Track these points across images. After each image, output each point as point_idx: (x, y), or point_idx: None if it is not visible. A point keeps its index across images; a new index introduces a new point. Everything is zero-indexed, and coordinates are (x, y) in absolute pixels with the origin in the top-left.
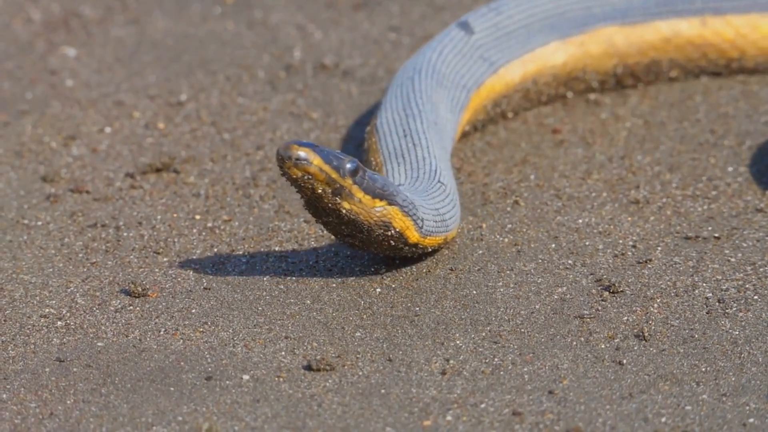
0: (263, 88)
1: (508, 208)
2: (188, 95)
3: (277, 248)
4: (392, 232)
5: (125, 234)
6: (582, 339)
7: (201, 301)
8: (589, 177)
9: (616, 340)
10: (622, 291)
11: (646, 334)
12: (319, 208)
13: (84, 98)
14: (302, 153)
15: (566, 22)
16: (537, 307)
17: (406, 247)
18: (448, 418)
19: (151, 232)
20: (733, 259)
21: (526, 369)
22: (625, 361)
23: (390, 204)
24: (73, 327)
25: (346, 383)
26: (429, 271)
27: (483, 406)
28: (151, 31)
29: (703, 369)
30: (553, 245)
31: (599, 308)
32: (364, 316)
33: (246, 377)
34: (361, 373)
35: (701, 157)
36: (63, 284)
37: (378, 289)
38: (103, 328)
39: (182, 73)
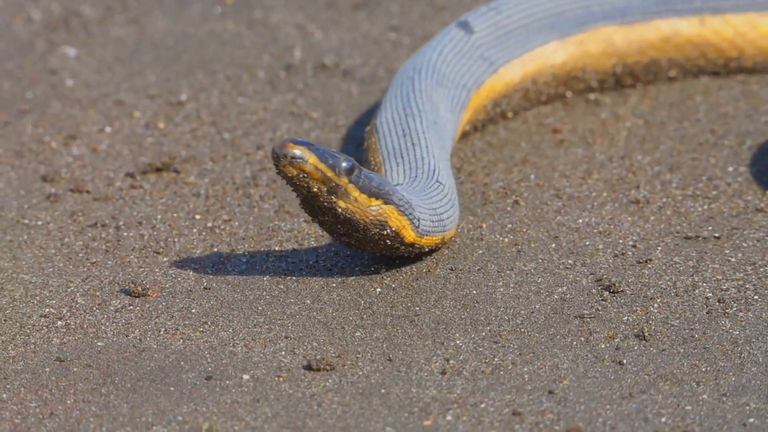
0: (263, 87)
1: (508, 208)
2: (188, 95)
3: (277, 248)
4: (388, 231)
5: (125, 234)
6: (582, 339)
7: (201, 301)
8: (590, 177)
9: (616, 340)
10: (622, 291)
11: (646, 334)
12: (315, 206)
13: (84, 98)
14: (297, 151)
15: (565, 21)
16: (537, 306)
17: (403, 247)
18: (448, 418)
19: (151, 232)
20: (733, 259)
21: (526, 369)
22: (625, 361)
23: (386, 203)
24: (73, 327)
25: (346, 383)
26: (429, 271)
27: (483, 406)
28: (151, 31)
29: (704, 369)
30: (554, 245)
31: (599, 308)
32: (364, 316)
33: (246, 377)
34: (361, 373)
35: (701, 157)
36: (63, 284)
37: (378, 289)
38: (103, 327)
39: (182, 73)
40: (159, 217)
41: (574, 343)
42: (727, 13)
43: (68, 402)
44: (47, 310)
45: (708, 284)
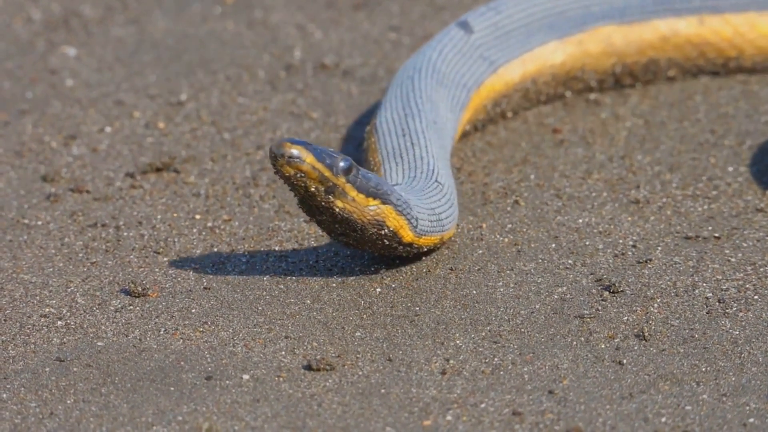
0: (263, 87)
1: (508, 208)
2: (188, 95)
3: (277, 248)
4: (386, 231)
5: (125, 234)
6: (582, 339)
7: (201, 301)
8: (590, 177)
9: (616, 340)
10: (622, 291)
11: (646, 334)
12: (313, 206)
13: (84, 98)
14: (295, 151)
15: (565, 21)
16: (537, 306)
17: (401, 247)
18: (448, 417)
19: (151, 232)
20: (733, 259)
21: (526, 369)
22: (625, 361)
23: (383, 203)
24: (73, 327)
25: (346, 383)
26: (429, 271)
27: (483, 406)
28: (151, 31)
29: (703, 369)
30: (553, 245)
31: (599, 308)
32: (364, 316)
33: (246, 377)
34: (361, 373)
35: (701, 157)
36: (63, 284)
37: (378, 289)
38: (103, 327)
39: (182, 72)
40: (159, 217)
41: (574, 343)
42: (726, 13)
43: (68, 402)
44: (47, 310)
45: (708, 284)
